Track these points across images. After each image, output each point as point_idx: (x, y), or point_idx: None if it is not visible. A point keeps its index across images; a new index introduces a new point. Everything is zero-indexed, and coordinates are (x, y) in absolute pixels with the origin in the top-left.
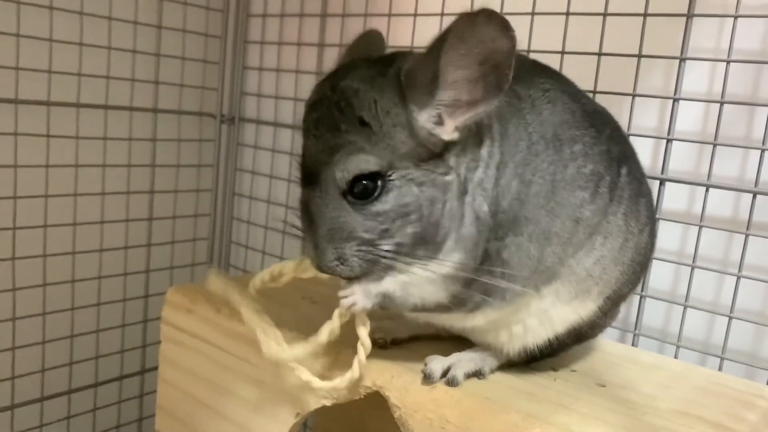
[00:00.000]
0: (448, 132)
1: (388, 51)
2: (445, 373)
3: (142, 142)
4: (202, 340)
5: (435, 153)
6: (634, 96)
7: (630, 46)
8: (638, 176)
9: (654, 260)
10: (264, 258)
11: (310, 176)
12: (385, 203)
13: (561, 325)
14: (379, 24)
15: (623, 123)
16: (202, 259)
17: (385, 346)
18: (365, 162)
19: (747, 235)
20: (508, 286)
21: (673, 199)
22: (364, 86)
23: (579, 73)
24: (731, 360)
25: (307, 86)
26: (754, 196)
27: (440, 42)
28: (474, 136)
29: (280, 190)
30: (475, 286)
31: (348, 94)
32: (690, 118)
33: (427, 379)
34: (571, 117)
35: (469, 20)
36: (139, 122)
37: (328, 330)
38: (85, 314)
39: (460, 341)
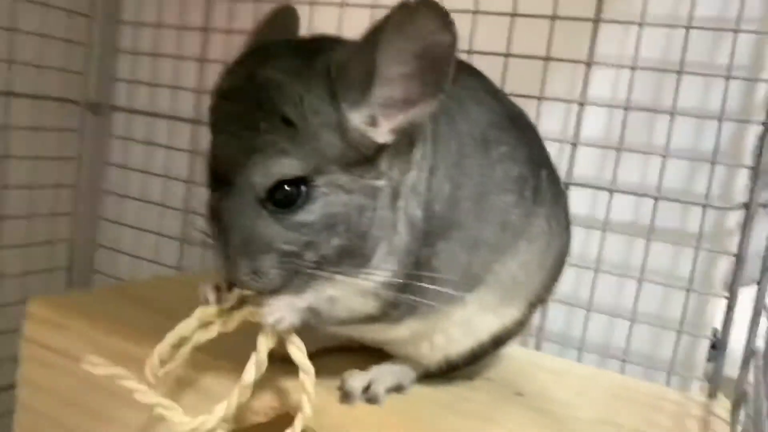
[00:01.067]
0: (382, 134)
1: (306, 34)
2: (365, 389)
3: None
4: (74, 359)
5: (366, 156)
6: (540, 99)
7: (537, 49)
8: (556, 179)
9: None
10: (134, 262)
11: (222, 179)
12: (310, 213)
13: (485, 333)
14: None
15: None
16: (62, 264)
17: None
18: (289, 166)
19: (649, 240)
20: (436, 295)
21: (576, 203)
22: (288, 79)
23: (486, 73)
24: (632, 363)
25: (187, 74)
26: (656, 201)
27: (376, 33)
28: (406, 136)
29: (154, 188)
30: (403, 295)
31: (269, 86)
32: (592, 124)
33: (347, 397)
34: (497, 118)
35: (409, 11)
36: None
37: (254, 366)
38: None
39: (371, 353)
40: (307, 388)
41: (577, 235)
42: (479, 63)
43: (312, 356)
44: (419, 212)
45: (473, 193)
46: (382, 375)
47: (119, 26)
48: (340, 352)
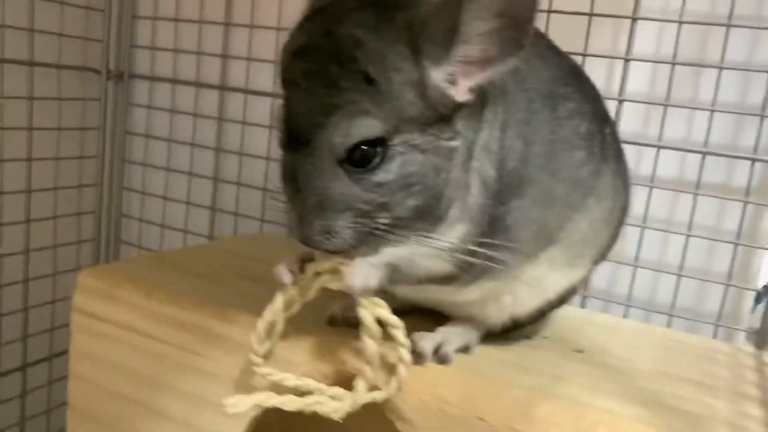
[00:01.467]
0: (461, 93)
1: None
2: (435, 350)
3: (15, 100)
4: (130, 329)
5: (443, 116)
6: (584, 56)
7: (581, 5)
8: (617, 136)
9: None
10: (163, 232)
11: (297, 138)
12: (388, 173)
13: (552, 291)
14: None
15: None
16: (89, 236)
17: (356, 324)
18: (370, 127)
19: (696, 195)
20: (511, 254)
21: None
22: (368, 36)
23: None
24: (678, 317)
25: (212, 39)
26: (703, 157)
27: None
28: (479, 95)
29: (181, 156)
30: (479, 254)
31: (348, 44)
32: (637, 79)
33: (418, 358)
34: (561, 73)
35: None
36: (12, 77)
37: (369, 338)
38: None
39: (432, 316)
40: (401, 339)
41: None
42: None
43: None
44: (492, 171)
45: (544, 150)
46: (451, 336)
47: None
48: (401, 315)
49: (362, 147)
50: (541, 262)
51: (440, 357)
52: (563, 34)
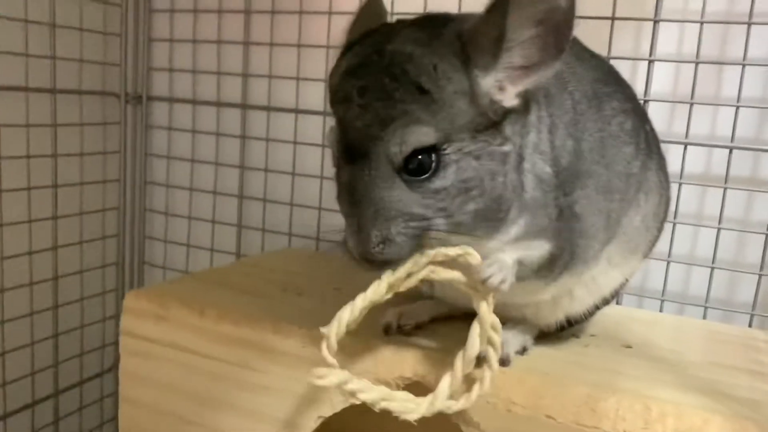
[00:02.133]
0: (509, 99)
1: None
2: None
3: (40, 128)
4: (182, 349)
5: (492, 122)
6: (609, 59)
7: (604, 9)
8: (655, 132)
9: None
10: (189, 252)
11: (355, 152)
12: (445, 179)
13: (608, 289)
14: None
15: None
16: (112, 259)
17: (410, 332)
18: (425, 134)
19: (725, 189)
20: (590, 241)
21: None
22: (419, 50)
23: None
24: (713, 308)
25: (231, 57)
26: (730, 151)
27: (504, 1)
28: (523, 101)
29: (203, 176)
30: (563, 241)
31: (401, 58)
32: (660, 79)
33: (479, 361)
34: (601, 74)
35: None
36: (36, 105)
37: (478, 336)
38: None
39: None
40: (492, 361)
41: None
42: None
43: (423, 325)
44: (548, 168)
45: (596, 146)
46: (509, 338)
47: (152, 14)
48: (450, 321)
49: (418, 156)
50: (601, 259)
51: (501, 359)
52: (587, 38)
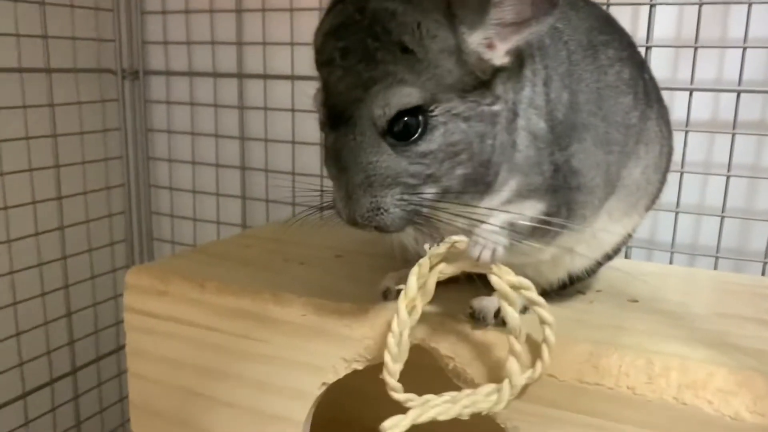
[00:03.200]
0: (499, 56)
1: None
2: (495, 314)
3: (37, 109)
4: (184, 323)
5: (482, 81)
6: (608, 5)
7: None
8: (654, 81)
9: None
10: (196, 225)
11: (339, 116)
12: (431, 142)
13: (609, 245)
14: None
15: None
16: (121, 236)
17: None
18: (408, 95)
19: (734, 135)
20: (591, 196)
21: None
22: (402, 7)
23: None
24: (726, 258)
25: (225, 27)
26: (738, 95)
27: None
28: (517, 56)
29: (205, 148)
30: (559, 199)
31: (383, 16)
32: (664, 23)
33: (480, 321)
34: (597, 22)
35: None
36: (32, 85)
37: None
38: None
39: (481, 282)
40: (547, 318)
41: None
42: None
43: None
44: (543, 123)
45: (592, 97)
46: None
47: None
48: (450, 283)
49: (404, 118)
50: (601, 214)
51: (501, 320)
52: None
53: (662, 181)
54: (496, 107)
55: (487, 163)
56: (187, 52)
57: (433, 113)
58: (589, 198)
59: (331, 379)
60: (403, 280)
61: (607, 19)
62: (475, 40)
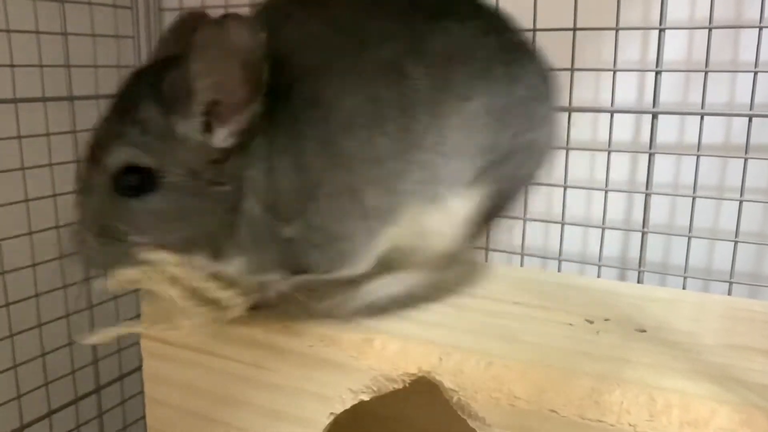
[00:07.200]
0: (220, 139)
1: None
2: None
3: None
4: (197, 350)
5: (213, 160)
6: (617, 30)
7: None
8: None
9: (652, 194)
10: None
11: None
12: (147, 203)
13: (460, 217)
14: None
15: (607, 60)
16: None
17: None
18: (136, 156)
19: (746, 159)
20: (348, 245)
21: (663, 130)
22: (131, 88)
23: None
24: (738, 283)
25: None
26: (750, 120)
27: (190, 51)
28: (247, 134)
29: None
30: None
31: (124, 91)
32: (674, 48)
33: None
34: (335, 36)
35: (215, 27)
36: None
37: None
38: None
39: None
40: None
41: (667, 160)
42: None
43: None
44: (259, 208)
45: (319, 149)
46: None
47: None
48: (452, 313)
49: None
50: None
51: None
52: (593, 11)
53: (506, 125)
54: (223, 188)
55: (209, 235)
56: None
57: (162, 180)
58: (350, 245)
59: (339, 409)
60: None
61: (353, 23)
62: (190, 126)
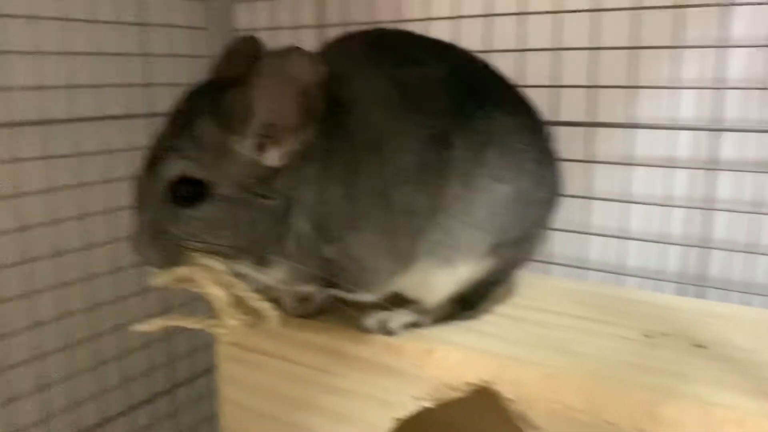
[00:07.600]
0: (273, 159)
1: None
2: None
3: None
4: (270, 355)
5: (263, 177)
6: (675, 47)
7: None
8: (485, 134)
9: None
10: None
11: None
12: (199, 211)
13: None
14: None
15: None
16: None
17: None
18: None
19: None
20: (371, 276)
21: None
22: (194, 107)
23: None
24: None
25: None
26: None
27: (253, 76)
28: (299, 156)
29: None
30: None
31: (183, 108)
32: (733, 66)
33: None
34: (395, 92)
35: (278, 57)
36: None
37: None
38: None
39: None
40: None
41: (727, 177)
42: (608, 18)
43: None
44: (307, 225)
45: (375, 187)
46: (394, 316)
47: None
48: (511, 324)
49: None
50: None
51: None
52: (653, 29)
53: (521, 216)
54: (272, 202)
55: (256, 243)
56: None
57: (213, 190)
58: (373, 277)
59: (402, 414)
60: None
61: (411, 93)
62: (245, 144)
